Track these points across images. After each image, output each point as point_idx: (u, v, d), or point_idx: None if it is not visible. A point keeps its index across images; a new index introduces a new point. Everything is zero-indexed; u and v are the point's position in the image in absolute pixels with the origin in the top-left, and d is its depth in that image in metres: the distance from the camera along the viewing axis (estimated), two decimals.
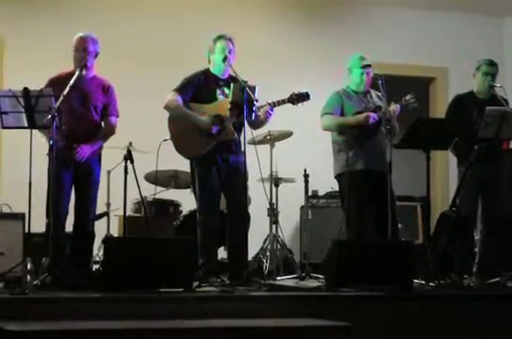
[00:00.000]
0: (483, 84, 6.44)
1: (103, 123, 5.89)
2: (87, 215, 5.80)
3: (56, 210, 5.45)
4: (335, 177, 6.35)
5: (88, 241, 5.83)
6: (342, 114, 6.29)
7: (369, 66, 6.29)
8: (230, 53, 5.89)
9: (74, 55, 5.77)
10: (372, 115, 6.13)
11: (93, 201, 5.84)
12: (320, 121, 6.33)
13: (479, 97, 6.48)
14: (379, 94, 6.37)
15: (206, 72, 5.98)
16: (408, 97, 6.26)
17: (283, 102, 5.90)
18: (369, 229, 6.14)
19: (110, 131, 5.92)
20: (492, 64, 6.47)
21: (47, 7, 8.14)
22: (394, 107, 6.16)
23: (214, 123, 5.77)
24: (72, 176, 5.70)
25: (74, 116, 5.70)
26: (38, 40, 8.04)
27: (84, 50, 5.73)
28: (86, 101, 5.75)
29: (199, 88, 5.91)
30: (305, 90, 5.94)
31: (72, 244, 5.71)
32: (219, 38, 5.93)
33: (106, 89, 5.87)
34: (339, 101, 6.30)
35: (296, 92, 5.93)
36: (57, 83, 5.62)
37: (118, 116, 5.95)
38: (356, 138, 6.19)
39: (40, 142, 5.56)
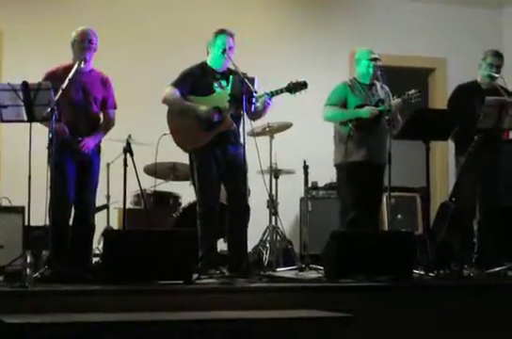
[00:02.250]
0: (488, 74, 6.45)
1: (101, 116, 5.89)
2: (88, 207, 5.81)
3: (62, 202, 5.47)
4: (335, 167, 6.36)
5: (90, 233, 5.83)
6: (345, 106, 6.31)
7: (377, 59, 6.29)
8: (230, 49, 5.87)
9: (75, 48, 5.76)
10: (373, 109, 6.15)
11: (94, 193, 5.85)
12: (322, 111, 6.35)
13: (482, 87, 6.49)
14: (383, 85, 6.38)
15: (203, 65, 5.97)
16: (411, 92, 6.23)
17: (281, 91, 5.89)
18: (363, 218, 6.18)
19: (110, 123, 5.94)
20: (499, 55, 6.48)
21: (45, 0, 8.12)
22: (397, 102, 6.18)
23: (214, 112, 5.78)
24: (75, 169, 5.69)
25: (76, 109, 5.70)
26: (36, 34, 8.02)
27: (85, 43, 5.72)
28: (86, 94, 5.75)
29: (196, 81, 5.90)
30: (303, 79, 5.93)
31: (72, 236, 5.70)
32: (221, 32, 5.90)
33: (105, 82, 5.88)
34: (344, 92, 6.32)
35: (294, 81, 5.92)
36: (55, 76, 5.61)
37: (116, 108, 5.95)
38: (357, 130, 6.20)
39: (39, 135, 5.56)
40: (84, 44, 5.71)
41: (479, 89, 6.45)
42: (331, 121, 6.36)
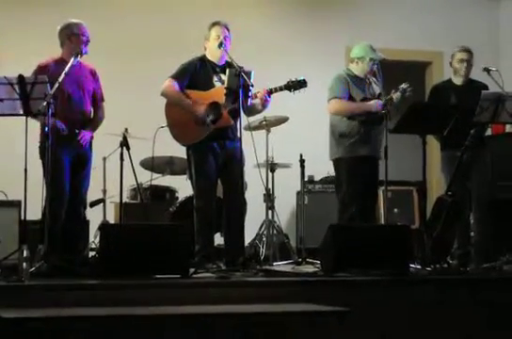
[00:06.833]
0: (460, 70, 6.51)
1: (92, 108, 5.88)
2: (82, 201, 5.82)
3: (60, 197, 5.49)
4: (333, 161, 6.34)
5: (84, 227, 5.83)
6: (349, 98, 6.29)
7: (384, 59, 6.32)
8: (225, 39, 5.87)
9: (72, 41, 5.74)
10: (379, 102, 6.16)
11: (87, 187, 5.84)
12: (328, 105, 6.30)
13: (456, 84, 6.54)
14: (375, 80, 6.38)
15: (202, 59, 5.96)
16: (403, 86, 6.25)
17: (280, 89, 5.89)
18: (362, 214, 6.18)
19: (103, 116, 5.95)
20: (467, 51, 6.52)
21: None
22: (398, 95, 6.19)
23: (209, 113, 5.76)
24: (71, 163, 5.67)
25: (71, 102, 5.69)
26: (29, 31, 7.99)
27: (85, 36, 5.75)
28: (80, 86, 5.75)
29: (195, 74, 5.90)
30: (302, 77, 5.92)
31: (67, 231, 5.68)
32: (214, 24, 5.92)
33: (94, 74, 5.90)
34: (346, 84, 6.29)
35: (293, 79, 5.92)
36: (48, 69, 5.62)
37: (104, 100, 5.97)
38: (362, 125, 6.20)
39: (35, 128, 5.54)
40: (83, 38, 5.74)
41: (454, 87, 6.51)
42: (340, 114, 6.27)
